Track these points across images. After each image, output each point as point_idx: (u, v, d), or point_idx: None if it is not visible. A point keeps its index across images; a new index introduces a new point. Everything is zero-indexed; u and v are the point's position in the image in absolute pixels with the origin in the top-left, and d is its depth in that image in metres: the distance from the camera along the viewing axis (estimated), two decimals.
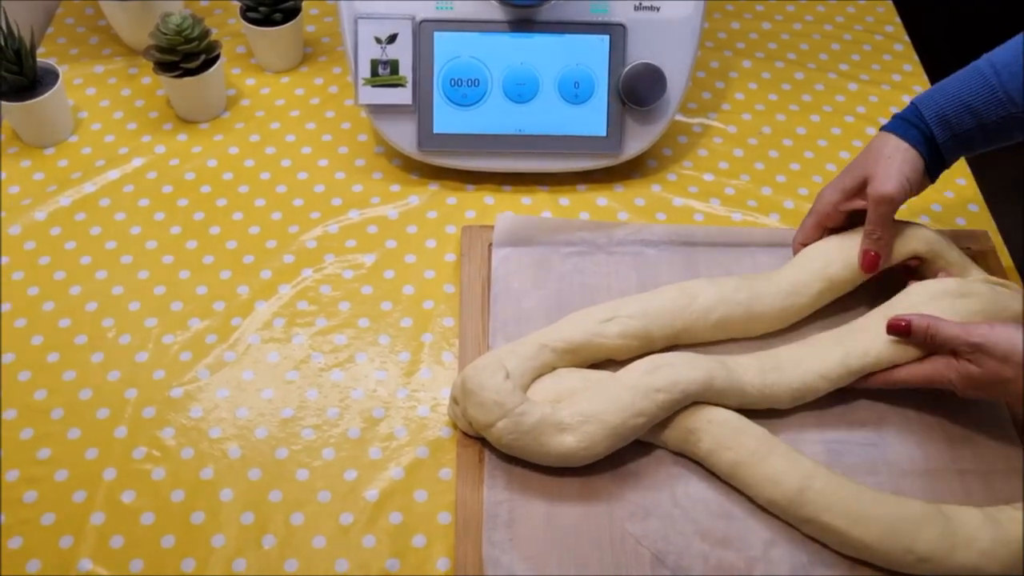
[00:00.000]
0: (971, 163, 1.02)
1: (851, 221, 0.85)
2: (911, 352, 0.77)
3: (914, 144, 0.80)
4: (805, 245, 0.86)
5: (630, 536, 0.73)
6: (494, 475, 0.76)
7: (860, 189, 0.82)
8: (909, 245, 0.83)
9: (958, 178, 1.01)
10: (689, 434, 0.76)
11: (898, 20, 1.18)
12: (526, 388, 0.77)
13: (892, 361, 0.78)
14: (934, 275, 0.83)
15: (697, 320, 0.81)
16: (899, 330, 0.77)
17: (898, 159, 0.80)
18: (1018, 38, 0.80)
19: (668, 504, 0.75)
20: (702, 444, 0.76)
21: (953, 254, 0.83)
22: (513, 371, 0.76)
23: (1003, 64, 0.78)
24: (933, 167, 0.82)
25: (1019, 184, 1.05)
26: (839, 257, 0.83)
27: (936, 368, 0.76)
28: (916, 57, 1.14)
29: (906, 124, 0.81)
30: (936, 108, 0.80)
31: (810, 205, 0.85)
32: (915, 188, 0.81)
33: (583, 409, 0.75)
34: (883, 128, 0.83)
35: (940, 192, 0.99)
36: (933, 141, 0.81)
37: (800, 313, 0.83)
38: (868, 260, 0.82)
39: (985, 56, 0.81)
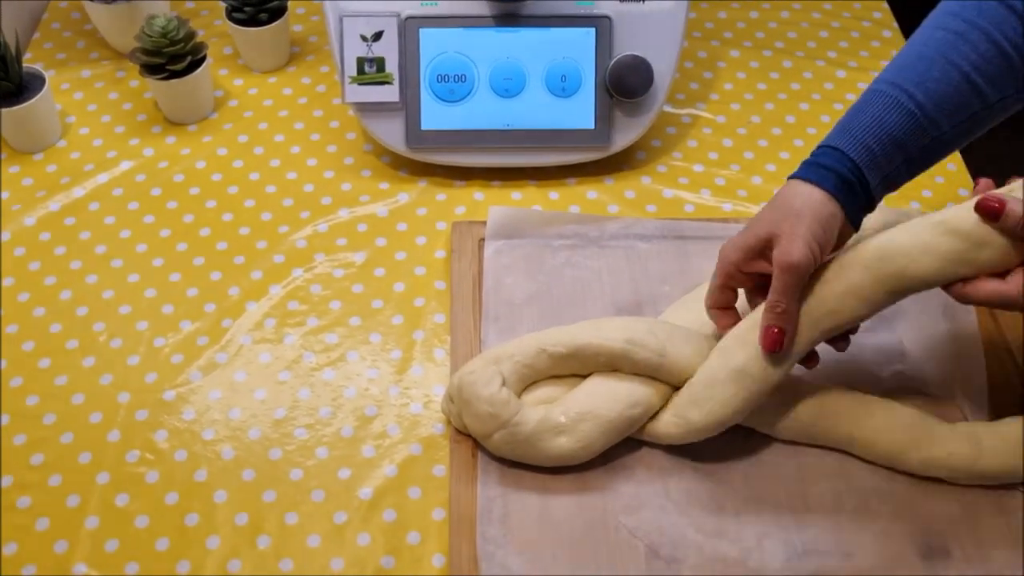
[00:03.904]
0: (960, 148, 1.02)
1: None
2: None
3: (831, 191, 0.68)
4: (718, 309, 0.76)
5: (624, 528, 0.73)
6: (487, 470, 0.76)
7: (764, 249, 0.70)
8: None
9: (948, 163, 1.01)
10: (820, 419, 0.76)
11: (885, 6, 1.18)
12: (522, 391, 0.77)
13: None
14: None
15: None
16: (990, 211, 0.64)
17: (807, 217, 0.67)
18: (909, 52, 0.71)
19: (661, 497, 0.75)
20: (839, 425, 0.76)
21: None
22: (509, 377, 0.76)
23: (914, 84, 0.68)
24: (855, 213, 0.70)
25: (1009, 167, 1.05)
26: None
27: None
28: (900, 31, 1.14)
29: (821, 170, 0.69)
30: (861, 147, 0.68)
31: None
32: (827, 247, 0.69)
33: (578, 406, 0.74)
34: (792, 176, 0.71)
35: (930, 177, 0.99)
36: (857, 185, 0.69)
37: None
38: (770, 338, 0.70)
39: (884, 80, 0.70)
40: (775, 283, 0.69)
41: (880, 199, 0.71)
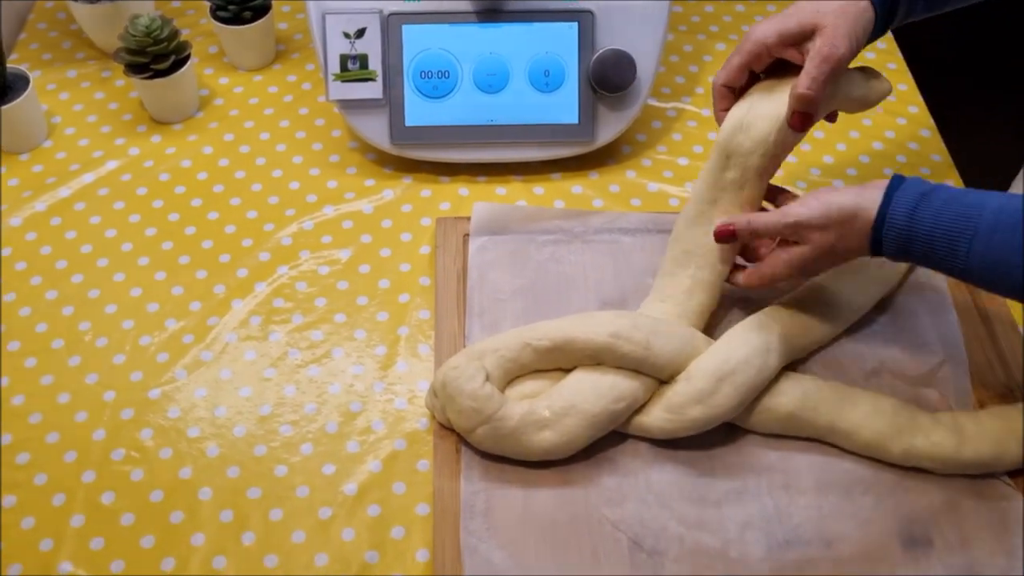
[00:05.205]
0: (922, 90, 1.05)
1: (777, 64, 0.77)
2: None
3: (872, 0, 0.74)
4: (727, 87, 0.78)
5: (607, 521, 0.73)
6: (471, 465, 0.76)
7: (802, 38, 0.74)
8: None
9: (910, 105, 1.03)
10: (802, 411, 0.76)
11: None
12: (506, 386, 0.78)
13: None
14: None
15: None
16: (726, 236, 0.76)
17: (852, 16, 0.72)
18: None
19: (643, 489, 0.75)
20: (820, 416, 0.76)
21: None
22: (493, 371, 0.76)
23: None
24: (881, 21, 0.75)
25: (969, 107, 1.06)
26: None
27: (776, 264, 0.75)
28: (890, 33, 1.14)
29: None
30: None
31: (785, 185, 0.85)
32: (861, 47, 0.74)
33: (562, 401, 0.75)
34: None
35: (893, 118, 1.01)
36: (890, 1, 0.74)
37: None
38: (799, 120, 0.74)
39: None
40: (813, 71, 0.72)
41: (908, 12, 0.76)
